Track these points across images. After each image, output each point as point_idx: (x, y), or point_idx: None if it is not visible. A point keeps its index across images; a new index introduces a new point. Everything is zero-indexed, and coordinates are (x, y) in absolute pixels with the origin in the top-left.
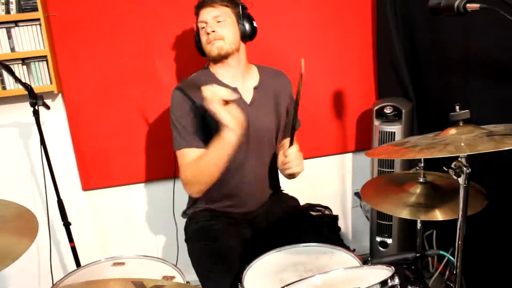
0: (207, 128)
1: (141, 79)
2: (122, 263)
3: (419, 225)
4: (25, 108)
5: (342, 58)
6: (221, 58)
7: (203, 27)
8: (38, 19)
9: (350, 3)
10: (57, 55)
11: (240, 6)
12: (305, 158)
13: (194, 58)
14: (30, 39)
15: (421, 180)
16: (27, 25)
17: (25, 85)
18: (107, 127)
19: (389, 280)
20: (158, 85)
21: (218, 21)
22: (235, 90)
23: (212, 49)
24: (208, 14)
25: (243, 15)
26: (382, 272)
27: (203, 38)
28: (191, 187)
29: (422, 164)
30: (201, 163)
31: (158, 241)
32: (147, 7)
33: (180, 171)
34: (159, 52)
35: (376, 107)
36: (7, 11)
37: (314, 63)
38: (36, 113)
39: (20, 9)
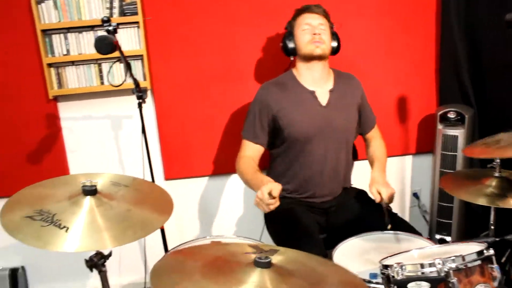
0: (273, 130)
1: (224, 79)
2: (219, 242)
3: (492, 213)
4: (116, 102)
5: (407, 66)
6: (318, 59)
7: (306, 28)
8: (137, 22)
9: (415, 13)
10: (150, 55)
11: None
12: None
13: (274, 60)
14: (128, 39)
15: (497, 174)
16: (127, 27)
17: (135, 80)
18: (191, 122)
19: (485, 251)
20: (239, 85)
21: (321, 28)
22: (312, 93)
23: (316, 49)
24: (315, 19)
25: (334, 32)
26: (475, 246)
27: (306, 37)
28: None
29: (498, 161)
30: (240, 169)
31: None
32: (232, 13)
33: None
34: (242, 54)
35: (440, 112)
36: (110, 15)
37: (381, 71)
38: (140, 106)
39: (122, 13)
